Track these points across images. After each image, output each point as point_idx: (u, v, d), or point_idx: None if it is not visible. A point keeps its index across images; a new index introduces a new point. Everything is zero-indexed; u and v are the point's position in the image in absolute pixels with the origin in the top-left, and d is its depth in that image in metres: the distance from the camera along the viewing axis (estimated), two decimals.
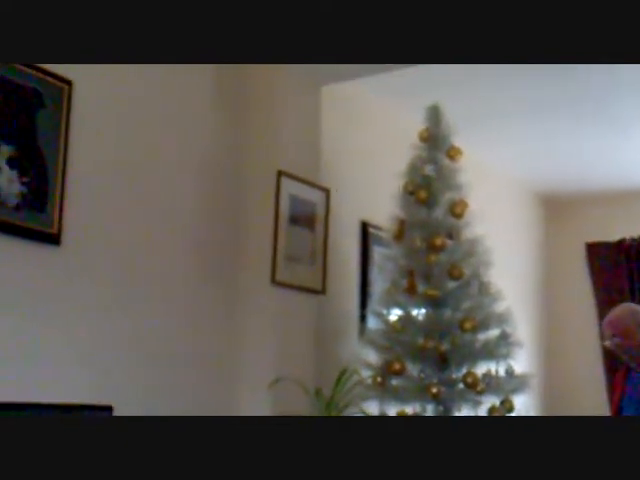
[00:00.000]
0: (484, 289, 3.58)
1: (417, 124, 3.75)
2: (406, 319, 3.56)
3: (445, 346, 3.48)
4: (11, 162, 2.64)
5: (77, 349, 2.83)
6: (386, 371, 3.43)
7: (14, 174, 2.65)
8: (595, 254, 6.38)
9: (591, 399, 5.98)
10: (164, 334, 3.18)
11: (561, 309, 6.45)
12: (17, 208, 2.64)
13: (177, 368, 3.22)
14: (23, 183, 2.67)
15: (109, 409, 2.22)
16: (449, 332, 3.50)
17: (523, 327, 4.00)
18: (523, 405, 3.53)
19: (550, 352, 6.27)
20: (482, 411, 3.39)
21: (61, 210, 2.76)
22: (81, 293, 2.87)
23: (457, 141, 3.73)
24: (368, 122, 4.49)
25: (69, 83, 2.83)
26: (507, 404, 3.42)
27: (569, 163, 5.70)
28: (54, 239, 2.75)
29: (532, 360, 5.65)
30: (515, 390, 3.48)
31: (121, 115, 3.09)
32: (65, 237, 2.78)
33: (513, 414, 3.44)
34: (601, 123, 4.89)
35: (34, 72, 2.72)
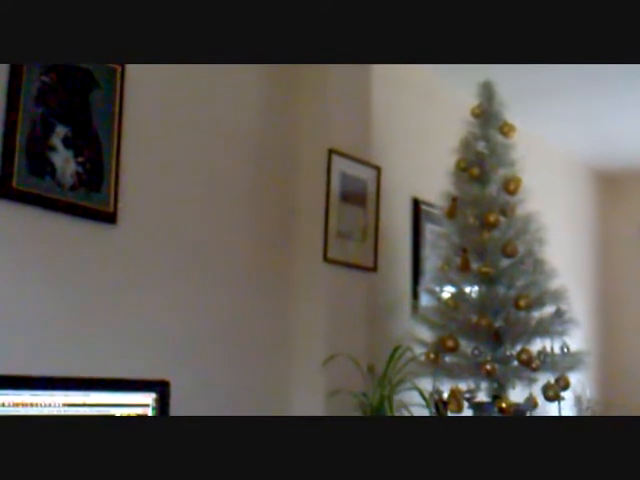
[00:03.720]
0: (538, 266, 3.54)
1: (469, 100, 3.71)
2: (459, 296, 3.54)
3: (499, 323, 3.46)
4: (66, 142, 2.68)
5: (134, 327, 2.88)
6: (439, 348, 3.41)
7: (69, 154, 2.69)
8: None
9: None
10: (218, 312, 3.21)
11: (617, 287, 6.36)
12: (73, 188, 2.68)
13: (232, 346, 3.25)
14: (78, 163, 2.71)
15: (166, 384, 2.24)
16: (503, 309, 3.47)
17: (578, 305, 3.94)
18: (578, 383, 3.50)
19: (606, 330, 6.19)
20: (537, 388, 3.36)
21: (116, 189, 2.80)
22: (137, 272, 2.91)
23: (510, 117, 3.68)
24: (420, 98, 4.45)
25: (122, 63, 2.86)
26: (562, 381, 3.38)
27: (625, 139, 5.60)
28: (110, 218, 2.79)
29: (588, 338, 5.56)
30: (570, 368, 3.44)
31: (173, 94, 3.12)
32: (121, 216, 2.82)
33: (568, 391, 3.41)
34: None
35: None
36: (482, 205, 3.56)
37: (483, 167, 3.60)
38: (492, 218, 3.51)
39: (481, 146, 3.66)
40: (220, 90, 3.31)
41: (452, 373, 3.39)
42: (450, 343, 3.39)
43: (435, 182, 3.69)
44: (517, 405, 3.33)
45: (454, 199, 3.61)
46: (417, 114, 4.41)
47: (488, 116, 3.66)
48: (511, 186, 3.58)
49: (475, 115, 3.66)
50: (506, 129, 3.65)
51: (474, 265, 3.52)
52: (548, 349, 3.43)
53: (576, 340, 3.58)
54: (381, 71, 3.93)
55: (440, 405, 3.37)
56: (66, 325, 2.66)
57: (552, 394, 3.34)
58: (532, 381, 3.37)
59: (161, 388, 2.25)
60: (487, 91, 3.69)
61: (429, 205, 4.21)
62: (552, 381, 3.38)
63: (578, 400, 4.36)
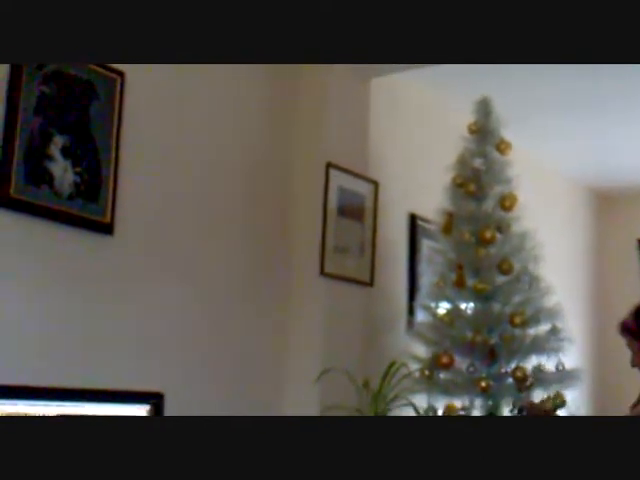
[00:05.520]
0: (534, 284, 3.55)
1: (466, 116, 3.72)
2: (455, 313, 3.54)
3: (494, 340, 3.46)
4: (65, 152, 2.68)
5: (129, 337, 2.87)
6: (434, 364, 3.41)
7: (68, 164, 2.69)
8: None
9: None
10: (214, 324, 3.20)
11: (612, 304, 6.32)
12: (70, 197, 2.68)
13: (226, 359, 3.24)
14: (76, 173, 2.71)
15: (160, 396, 2.23)
16: (498, 326, 3.48)
17: (574, 322, 3.95)
18: (573, 400, 3.49)
19: (601, 348, 6.18)
20: None
21: (114, 200, 2.80)
22: (133, 282, 2.91)
23: (507, 134, 3.70)
24: (417, 114, 4.46)
25: (121, 74, 2.86)
26: (557, 399, 3.38)
27: (620, 157, 5.61)
28: (107, 228, 2.79)
29: (583, 355, 5.57)
30: (565, 385, 3.44)
31: (172, 106, 3.12)
32: (118, 227, 2.82)
33: (563, 409, 3.40)
34: None
35: (87, 64, 2.76)
36: (478, 221, 3.57)
37: (479, 184, 3.61)
38: (488, 234, 3.52)
39: (477, 163, 3.67)
40: (218, 104, 3.32)
41: (447, 390, 3.39)
42: (445, 359, 3.39)
43: (432, 198, 3.70)
44: None
45: (450, 215, 3.62)
46: (415, 130, 4.42)
47: (485, 133, 3.67)
48: (507, 203, 3.59)
49: (472, 132, 3.68)
50: (502, 146, 3.66)
51: (469, 281, 3.52)
52: (543, 366, 3.43)
53: (571, 357, 3.58)
54: (379, 86, 3.94)
55: None
56: (60, 335, 2.65)
57: None
58: (527, 398, 3.36)
59: (155, 400, 2.24)
60: (484, 108, 3.70)
61: (426, 221, 4.22)
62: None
63: None
